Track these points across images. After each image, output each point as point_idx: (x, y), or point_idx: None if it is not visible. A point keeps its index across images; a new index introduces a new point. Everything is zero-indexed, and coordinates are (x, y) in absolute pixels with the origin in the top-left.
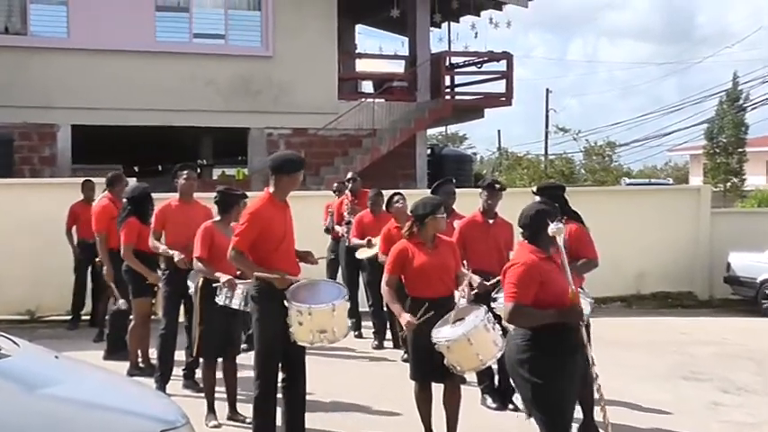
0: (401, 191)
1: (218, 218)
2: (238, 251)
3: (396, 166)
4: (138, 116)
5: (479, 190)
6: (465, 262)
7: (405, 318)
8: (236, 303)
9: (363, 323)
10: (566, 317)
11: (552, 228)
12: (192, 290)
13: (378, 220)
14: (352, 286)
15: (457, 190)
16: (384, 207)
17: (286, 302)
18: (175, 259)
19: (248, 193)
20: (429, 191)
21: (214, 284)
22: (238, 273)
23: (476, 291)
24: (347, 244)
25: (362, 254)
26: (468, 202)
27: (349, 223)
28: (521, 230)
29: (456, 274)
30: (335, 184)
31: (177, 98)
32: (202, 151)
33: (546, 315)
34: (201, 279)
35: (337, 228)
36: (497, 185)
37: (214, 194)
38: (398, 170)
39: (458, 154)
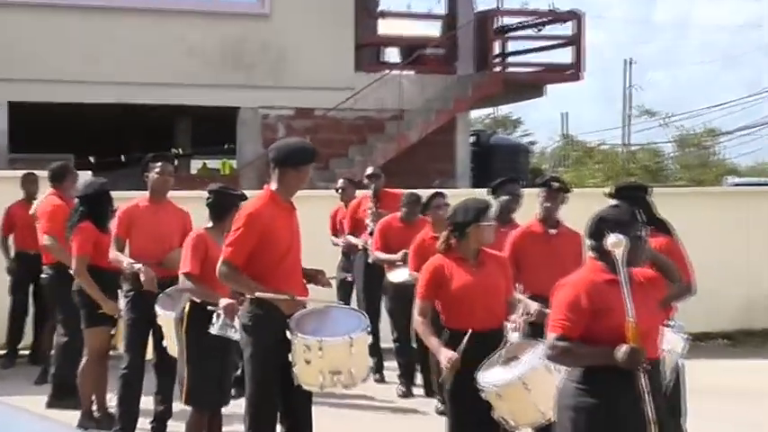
0: (442, 190)
1: (209, 224)
2: (231, 265)
3: (429, 159)
4: (96, 91)
5: (537, 190)
6: (519, 285)
7: (443, 354)
8: (232, 334)
9: (386, 363)
10: (619, 359)
11: (611, 240)
12: (161, 317)
13: (410, 229)
14: (372, 315)
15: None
16: (420, 211)
17: (289, 334)
18: (142, 278)
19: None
20: (474, 191)
21: (209, 308)
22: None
23: (532, 320)
24: (368, 260)
25: (397, 276)
26: (523, 208)
27: (372, 234)
28: (589, 244)
29: (507, 299)
30: (340, 182)
31: (146, 69)
32: (178, 137)
33: (595, 354)
34: (189, 303)
35: (352, 239)
36: (557, 184)
37: (206, 195)
38: (432, 164)
39: (510, 143)
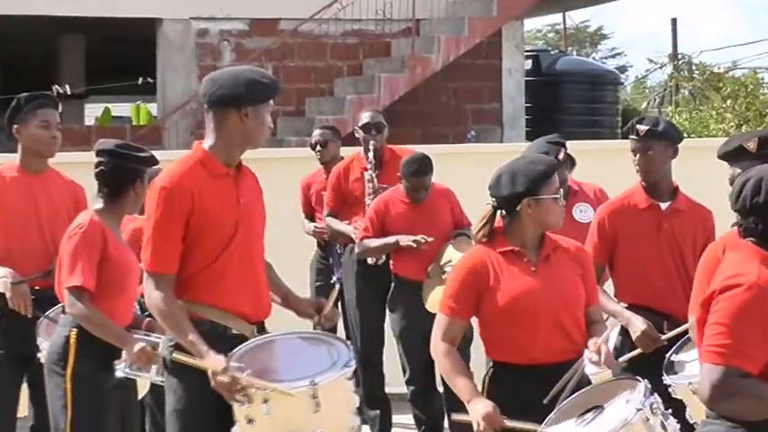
0: (472, 145)
1: (99, 204)
2: (164, 280)
3: (460, 97)
4: None
5: (629, 142)
6: (609, 288)
7: (479, 408)
8: (150, 376)
9: (396, 416)
10: None
11: None
12: (45, 351)
13: (419, 212)
14: (370, 342)
15: (591, 144)
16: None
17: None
18: (7, 294)
19: (161, 154)
20: (528, 144)
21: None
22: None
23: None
24: (357, 251)
25: (433, 303)
26: (617, 170)
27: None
28: (737, 220)
29: (589, 313)
30: (317, 134)
31: None
32: (64, 69)
33: None
34: (75, 329)
35: (335, 223)
36: (644, 127)
37: (94, 158)
38: (466, 104)
39: (589, 69)
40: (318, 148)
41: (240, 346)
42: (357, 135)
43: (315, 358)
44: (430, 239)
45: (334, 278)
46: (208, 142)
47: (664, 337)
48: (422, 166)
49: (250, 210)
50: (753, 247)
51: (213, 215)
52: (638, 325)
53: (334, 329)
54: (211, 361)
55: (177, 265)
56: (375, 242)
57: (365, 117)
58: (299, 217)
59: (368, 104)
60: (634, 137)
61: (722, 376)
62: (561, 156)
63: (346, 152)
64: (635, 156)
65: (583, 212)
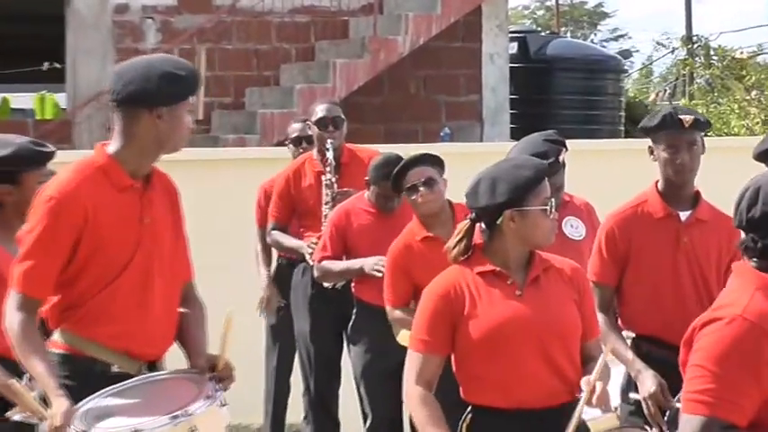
0: (447, 145)
1: None
2: (32, 306)
3: (434, 87)
4: None
5: (639, 142)
6: (616, 315)
7: None
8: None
9: None
10: None
11: None
12: None
13: (387, 222)
14: (325, 378)
15: (588, 144)
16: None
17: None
18: None
19: (71, 154)
20: (512, 144)
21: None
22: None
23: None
24: (314, 271)
25: (406, 335)
26: (620, 174)
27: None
28: (743, 239)
29: (585, 347)
30: (293, 126)
31: None
32: None
33: None
34: None
35: (283, 238)
36: (700, 119)
37: None
38: (439, 96)
39: (586, 54)
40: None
41: (105, 390)
42: (310, 132)
43: (182, 393)
44: None
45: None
46: (113, 146)
47: (675, 400)
48: (393, 165)
49: (156, 231)
50: (753, 273)
51: (107, 237)
52: (647, 385)
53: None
54: (54, 406)
55: (51, 290)
56: (335, 265)
57: (321, 110)
58: (240, 232)
59: (321, 96)
60: (674, 130)
61: (703, 429)
62: (562, 157)
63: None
64: (670, 154)
65: (574, 228)
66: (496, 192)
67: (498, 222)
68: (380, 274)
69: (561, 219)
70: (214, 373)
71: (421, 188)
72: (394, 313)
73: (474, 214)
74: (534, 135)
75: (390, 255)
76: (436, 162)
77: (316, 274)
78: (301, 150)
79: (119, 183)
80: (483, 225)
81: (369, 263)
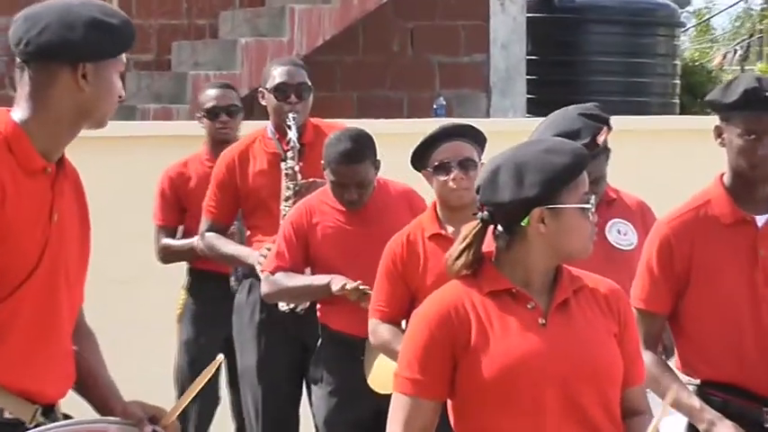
0: (441, 121)
1: None
2: None
3: (426, 44)
4: None
5: (710, 119)
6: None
7: None
8: None
9: None
10: None
11: None
12: None
13: (362, 228)
14: (277, 428)
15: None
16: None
17: None
18: None
19: None
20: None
21: None
22: None
23: None
24: (263, 286)
25: (379, 377)
26: (675, 162)
27: None
28: None
29: (628, 395)
30: (213, 92)
31: None
32: None
33: None
34: None
35: (223, 246)
36: None
37: None
38: (432, 55)
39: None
40: (224, 117)
41: None
42: (263, 102)
43: None
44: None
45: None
46: (20, 114)
47: None
48: (356, 148)
49: (64, 233)
50: None
51: (14, 233)
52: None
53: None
54: None
55: None
56: (294, 280)
57: (279, 74)
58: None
59: (274, 53)
60: (758, 110)
61: None
62: (602, 139)
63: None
64: (747, 139)
65: (623, 234)
66: (524, 183)
67: (523, 224)
68: (355, 298)
69: (605, 222)
70: (156, 427)
71: (455, 169)
72: (379, 330)
73: (487, 213)
74: (569, 108)
75: (387, 252)
76: (477, 138)
77: (265, 289)
78: (218, 126)
79: (27, 163)
80: (500, 228)
81: (337, 280)
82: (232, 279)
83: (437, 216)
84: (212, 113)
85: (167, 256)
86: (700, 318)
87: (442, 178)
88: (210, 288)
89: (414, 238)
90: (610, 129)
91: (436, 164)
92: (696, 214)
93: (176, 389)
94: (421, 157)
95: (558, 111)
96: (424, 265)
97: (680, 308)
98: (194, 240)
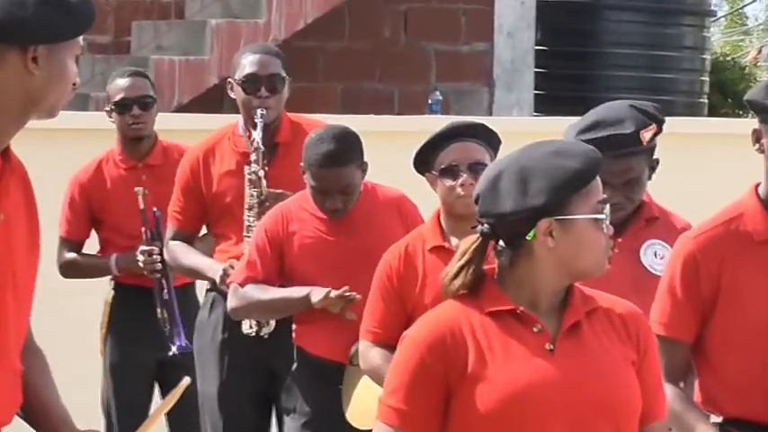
0: (437, 118)
1: None
2: None
3: (420, 30)
4: None
5: (747, 122)
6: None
7: None
8: None
9: None
10: None
11: None
12: None
13: (345, 238)
14: None
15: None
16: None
17: None
18: None
19: None
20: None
21: None
22: None
23: None
24: (230, 300)
25: (359, 410)
26: (705, 169)
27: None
28: None
29: (647, 431)
30: (123, 81)
31: None
32: None
33: None
34: None
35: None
36: None
37: None
38: (428, 43)
39: None
40: (136, 110)
41: None
42: (231, 94)
43: None
44: (359, 297)
45: (173, 350)
46: None
47: None
48: (340, 149)
49: (10, 236)
50: None
51: None
52: None
53: None
54: None
55: None
56: (267, 293)
57: (249, 63)
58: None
59: (249, 37)
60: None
61: None
62: (648, 135)
63: (207, 124)
64: None
65: (659, 258)
66: (529, 191)
67: (528, 238)
68: (337, 310)
69: (642, 242)
70: None
71: (463, 173)
72: (370, 355)
73: (487, 225)
74: (621, 102)
75: (383, 265)
76: (490, 139)
77: (232, 303)
78: (130, 122)
79: None
80: (502, 242)
81: (318, 291)
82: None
83: (440, 226)
84: (122, 107)
85: (70, 272)
86: (726, 347)
87: (449, 183)
88: (139, 304)
89: (413, 250)
90: (660, 130)
91: (443, 167)
92: (726, 229)
93: (104, 419)
94: (425, 159)
95: (607, 104)
96: (423, 281)
97: (704, 335)
98: (109, 259)
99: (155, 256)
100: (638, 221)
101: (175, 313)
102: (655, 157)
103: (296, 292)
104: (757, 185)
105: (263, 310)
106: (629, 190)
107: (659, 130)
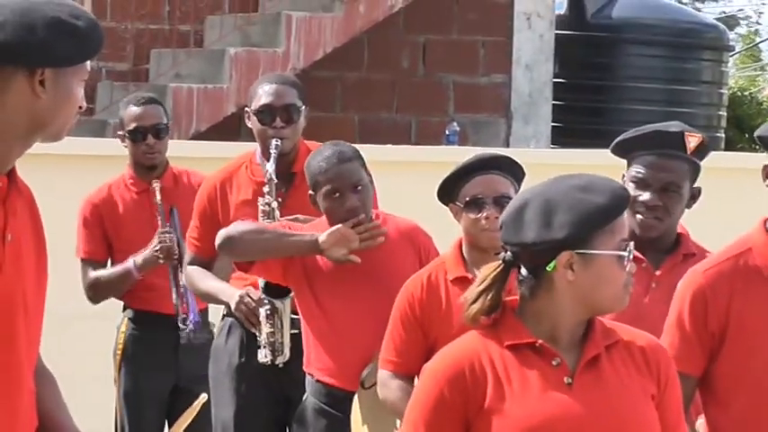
0: (453, 149)
1: None
2: None
3: (438, 61)
4: None
5: (760, 157)
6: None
7: None
8: None
9: None
10: None
11: None
12: None
13: (358, 268)
14: None
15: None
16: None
17: None
18: None
19: None
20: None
21: None
22: None
23: None
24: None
25: None
26: (719, 204)
27: None
28: None
29: None
30: (135, 109)
31: None
32: None
33: None
34: None
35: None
36: None
37: None
38: (446, 74)
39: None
40: (150, 139)
41: None
42: (249, 123)
43: None
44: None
45: (189, 326)
46: None
47: None
48: (341, 149)
49: (20, 256)
50: None
51: None
52: None
53: None
54: None
55: None
56: (274, 230)
57: (265, 93)
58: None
59: (267, 66)
60: None
61: None
62: (693, 143)
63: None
64: None
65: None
66: (553, 223)
67: (549, 269)
68: (339, 254)
69: (680, 277)
70: None
71: (488, 207)
72: (390, 386)
73: (510, 254)
74: (672, 123)
75: (403, 294)
76: (515, 172)
77: (227, 232)
78: (144, 150)
79: None
80: (524, 271)
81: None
82: (179, 320)
83: (462, 257)
84: (136, 135)
85: (98, 292)
86: (735, 383)
87: (473, 216)
88: (153, 331)
89: (435, 279)
90: (704, 144)
91: (467, 199)
92: (735, 264)
93: None
94: (450, 189)
95: (657, 125)
96: (447, 311)
97: (712, 371)
98: (128, 264)
99: (171, 243)
100: (676, 256)
101: (188, 296)
102: (696, 185)
103: (306, 236)
104: (765, 220)
105: (263, 246)
106: (667, 197)
107: (704, 144)
